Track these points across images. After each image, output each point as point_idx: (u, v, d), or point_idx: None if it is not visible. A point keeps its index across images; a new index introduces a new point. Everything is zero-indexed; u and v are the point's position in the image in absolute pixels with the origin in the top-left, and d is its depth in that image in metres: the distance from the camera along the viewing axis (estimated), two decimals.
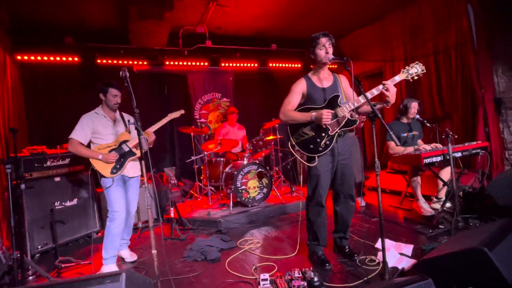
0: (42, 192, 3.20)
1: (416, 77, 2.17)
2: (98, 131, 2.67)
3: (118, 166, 2.63)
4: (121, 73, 1.98)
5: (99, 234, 3.67)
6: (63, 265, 2.76)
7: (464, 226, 2.80)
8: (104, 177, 2.59)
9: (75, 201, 3.47)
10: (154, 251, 1.75)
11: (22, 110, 4.40)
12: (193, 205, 4.37)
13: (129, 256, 2.89)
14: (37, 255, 3.06)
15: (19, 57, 4.34)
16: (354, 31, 6.08)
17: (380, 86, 2.09)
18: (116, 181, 2.61)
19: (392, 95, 2.07)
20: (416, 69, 2.16)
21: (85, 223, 3.56)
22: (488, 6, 3.87)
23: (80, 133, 2.62)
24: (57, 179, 3.37)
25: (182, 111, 3.01)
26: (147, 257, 2.93)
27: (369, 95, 2.06)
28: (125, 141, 2.71)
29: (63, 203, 3.35)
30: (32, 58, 4.43)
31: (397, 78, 2.12)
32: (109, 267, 2.61)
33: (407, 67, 2.18)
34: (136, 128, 1.78)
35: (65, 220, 3.34)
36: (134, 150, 2.73)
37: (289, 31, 5.65)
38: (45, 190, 3.23)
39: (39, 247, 3.07)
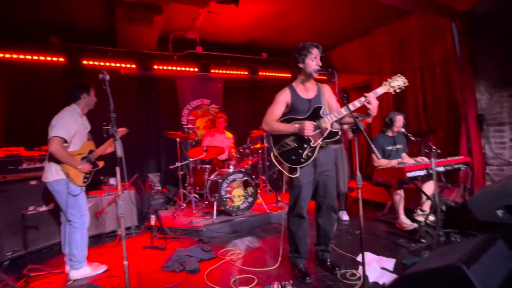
0: (16, 196, 3.05)
1: (398, 90, 2.13)
2: (77, 134, 2.53)
3: (88, 176, 2.65)
4: (100, 76, 1.92)
5: None
6: (32, 274, 2.62)
7: (446, 241, 2.81)
8: (75, 184, 2.52)
9: (51, 206, 3.33)
10: (125, 262, 1.66)
11: (0, 110, 4.24)
12: (176, 212, 4.26)
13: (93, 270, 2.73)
14: (6, 262, 2.90)
15: (0, 55, 4.20)
16: (343, 44, 6.18)
17: (362, 99, 2.08)
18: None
19: (374, 107, 2.06)
20: (398, 82, 2.13)
21: (60, 229, 3.40)
22: (471, 25, 3.99)
23: (66, 132, 2.41)
24: (33, 182, 3.23)
25: (126, 130, 2.92)
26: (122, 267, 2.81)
27: (351, 107, 2.05)
28: (92, 151, 2.69)
29: (38, 208, 3.21)
30: (14, 56, 4.28)
31: (379, 91, 2.11)
32: (84, 269, 2.60)
33: (389, 80, 2.15)
34: (111, 134, 1.72)
35: (39, 225, 3.18)
36: (97, 162, 2.75)
37: (279, 41, 5.69)
38: (19, 194, 3.09)
39: (8, 254, 2.91)
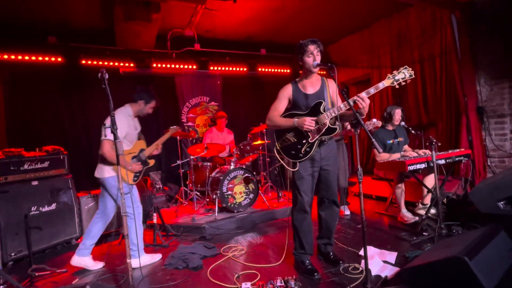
0: (18, 197, 3.06)
1: (403, 83, 2.04)
2: (129, 135, 2.65)
3: (138, 174, 2.74)
4: (99, 74, 1.93)
5: (79, 240, 3.53)
6: (36, 274, 2.63)
7: (447, 234, 2.81)
8: (125, 182, 2.58)
9: (53, 206, 3.34)
10: (128, 260, 1.67)
11: (1, 111, 4.24)
12: (178, 210, 4.28)
13: (94, 264, 2.77)
14: (10, 263, 2.92)
15: None
16: (343, 38, 6.13)
17: (357, 97, 2.06)
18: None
19: (366, 106, 2.06)
20: (403, 74, 2.03)
21: (63, 229, 3.42)
22: (470, 16, 3.96)
23: (120, 134, 2.43)
24: (35, 183, 3.24)
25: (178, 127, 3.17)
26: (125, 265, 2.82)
27: (343, 106, 2.07)
28: (142, 150, 2.79)
29: (40, 208, 3.22)
30: (13, 57, 4.27)
31: (381, 85, 2.05)
32: (144, 258, 2.72)
33: (394, 72, 2.06)
34: (112, 132, 1.73)
35: (42, 226, 3.19)
36: (148, 160, 2.85)
37: (278, 37, 5.66)
38: (21, 195, 3.09)
39: (13, 254, 2.93)
